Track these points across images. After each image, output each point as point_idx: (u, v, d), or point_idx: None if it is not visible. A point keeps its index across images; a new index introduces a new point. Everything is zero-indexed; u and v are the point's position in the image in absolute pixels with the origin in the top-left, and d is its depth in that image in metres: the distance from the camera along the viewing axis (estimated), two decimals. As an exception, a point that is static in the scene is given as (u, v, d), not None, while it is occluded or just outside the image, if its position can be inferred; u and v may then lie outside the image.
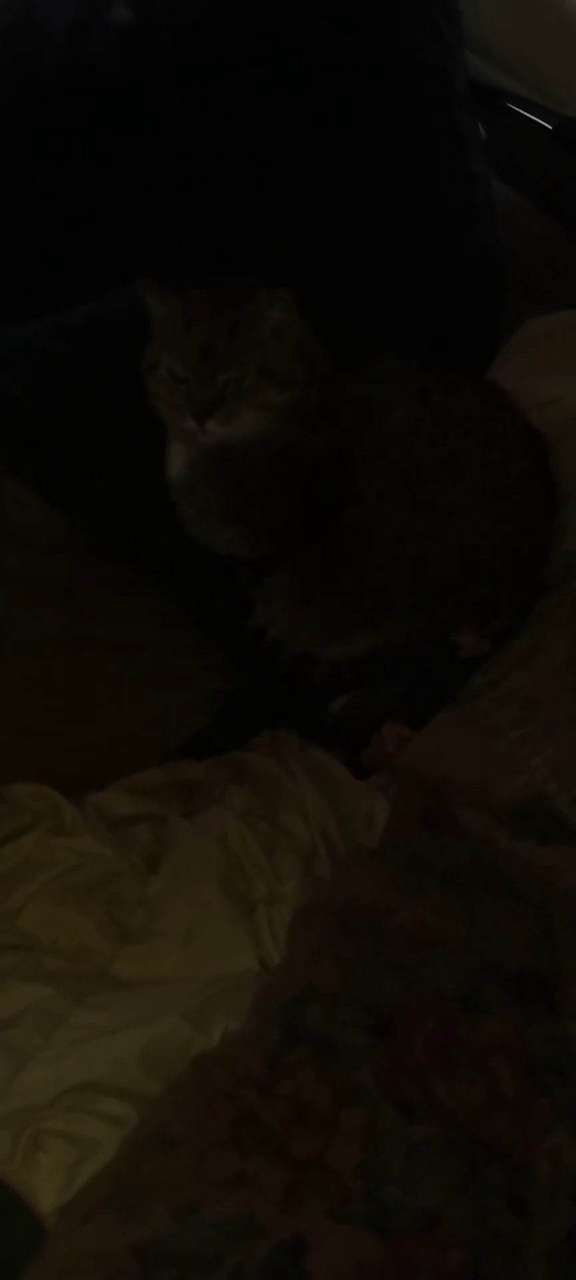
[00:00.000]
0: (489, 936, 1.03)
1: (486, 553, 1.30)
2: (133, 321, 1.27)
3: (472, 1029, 0.97)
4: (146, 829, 1.18)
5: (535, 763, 1.17)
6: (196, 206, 1.47)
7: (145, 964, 1.07)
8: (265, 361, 1.24)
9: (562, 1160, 0.90)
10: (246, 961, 1.08)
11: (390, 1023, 0.97)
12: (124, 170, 1.47)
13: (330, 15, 1.50)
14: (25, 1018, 0.99)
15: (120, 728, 1.28)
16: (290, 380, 1.26)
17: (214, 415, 1.23)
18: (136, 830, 1.18)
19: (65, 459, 1.30)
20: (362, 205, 1.52)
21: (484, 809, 1.16)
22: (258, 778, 1.26)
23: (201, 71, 1.48)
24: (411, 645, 1.31)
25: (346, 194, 1.51)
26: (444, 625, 1.31)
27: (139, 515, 1.32)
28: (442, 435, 1.29)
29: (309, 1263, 0.83)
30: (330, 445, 1.29)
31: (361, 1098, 0.92)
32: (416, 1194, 0.88)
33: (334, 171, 1.51)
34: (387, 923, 1.05)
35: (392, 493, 1.28)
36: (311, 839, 1.20)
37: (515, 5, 1.68)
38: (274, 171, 1.50)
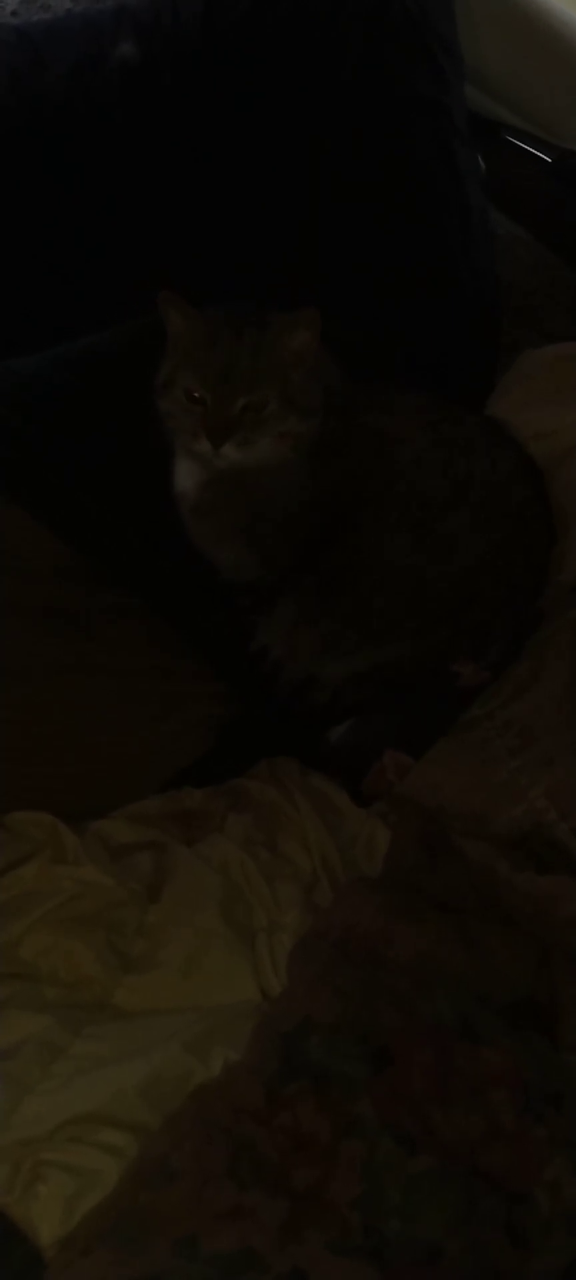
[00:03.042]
0: (487, 966, 1.03)
1: (485, 577, 1.30)
2: (132, 353, 1.28)
3: (471, 1059, 0.97)
4: (147, 857, 1.18)
5: (534, 792, 1.17)
6: (196, 238, 1.49)
7: (146, 994, 1.07)
8: (287, 388, 1.22)
9: (561, 1192, 0.90)
10: (247, 991, 1.08)
11: (389, 1053, 0.97)
12: (124, 204, 1.49)
13: (328, 51, 1.52)
14: (24, 1048, 0.99)
15: (118, 755, 1.28)
16: (311, 409, 1.24)
17: (230, 439, 1.21)
18: (137, 859, 1.18)
19: (64, 488, 1.31)
20: (360, 236, 1.53)
21: (483, 838, 1.16)
22: (258, 806, 1.26)
23: (200, 106, 1.50)
24: (411, 672, 1.32)
25: (344, 226, 1.53)
26: (444, 649, 1.31)
27: (137, 543, 1.33)
28: (449, 464, 1.29)
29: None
30: (344, 474, 1.28)
31: (360, 1129, 0.92)
32: (416, 1226, 0.88)
33: (332, 204, 1.52)
34: (386, 952, 1.05)
35: (398, 521, 1.29)
36: (312, 867, 1.20)
37: (514, 39, 1.69)
38: (273, 200, 1.52)
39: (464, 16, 1.64)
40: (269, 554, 1.31)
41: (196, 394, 1.21)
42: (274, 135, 1.50)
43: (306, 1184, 0.90)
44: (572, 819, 1.15)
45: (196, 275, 1.38)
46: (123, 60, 1.49)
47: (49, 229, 1.48)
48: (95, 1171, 0.91)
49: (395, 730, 1.31)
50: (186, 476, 1.30)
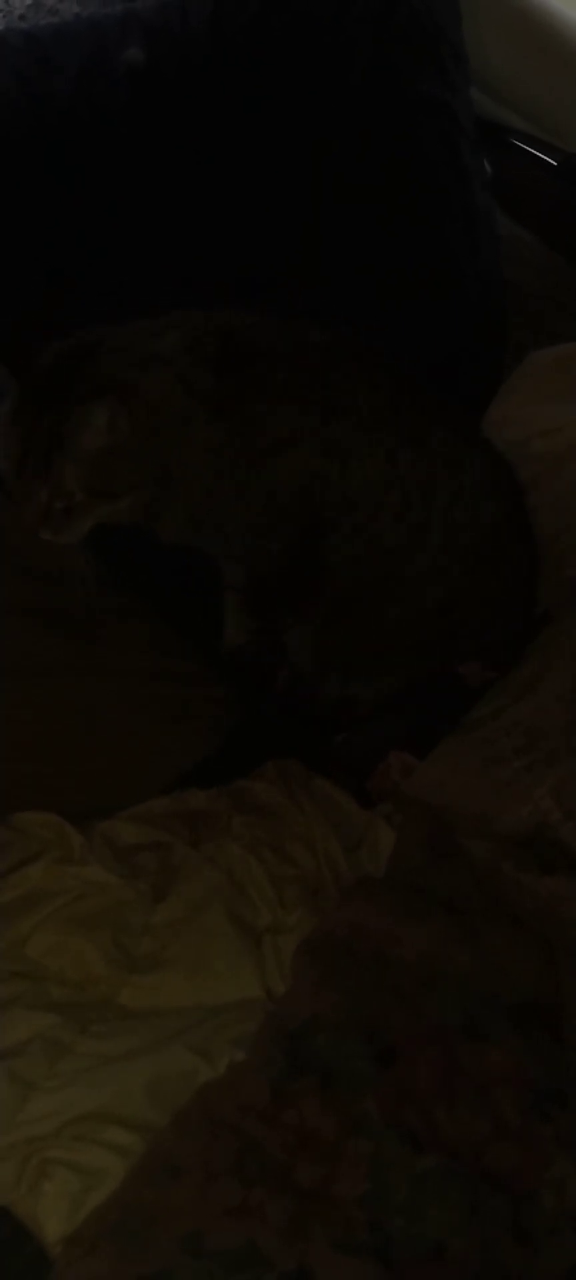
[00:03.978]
0: (492, 965, 1.03)
1: (467, 601, 1.29)
2: None
3: (476, 1058, 0.97)
4: (153, 858, 1.18)
5: (539, 792, 1.18)
6: (199, 239, 1.49)
7: (151, 993, 1.07)
8: (92, 481, 1.13)
9: (567, 1191, 0.90)
10: (252, 990, 1.08)
11: (394, 1052, 0.97)
12: (128, 206, 1.49)
13: (335, 54, 1.53)
14: (31, 1046, 1.00)
15: (122, 756, 1.28)
16: (131, 485, 1.15)
17: (44, 525, 1.13)
18: (143, 859, 1.18)
19: None
20: (367, 238, 1.53)
21: (487, 838, 1.16)
22: (263, 807, 1.27)
23: (206, 108, 1.50)
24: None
25: (351, 228, 1.53)
26: (439, 668, 1.31)
27: (139, 546, 1.33)
28: (406, 508, 1.25)
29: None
30: (292, 475, 1.22)
31: (366, 1127, 0.92)
32: (421, 1224, 0.88)
33: (338, 206, 1.53)
34: (391, 951, 1.05)
35: (361, 560, 1.27)
36: (317, 868, 1.20)
37: (519, 43, 1.70)
38: (277, 203, 1.52)
39: (470, 20, 1.64)
40: (222, 535, 1.27)
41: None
42: (279, 138, 1.51)
43: (311, 1182, 0.90)
44: (578, 818, 1.16)
45: (198, 276, 1.38)
46: (129, 64, 1.49)
47: (53, 230, 1.48)
48: (101, 1169, 0.91)
49: (401, 731, 1.31)
50: None
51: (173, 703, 1.33)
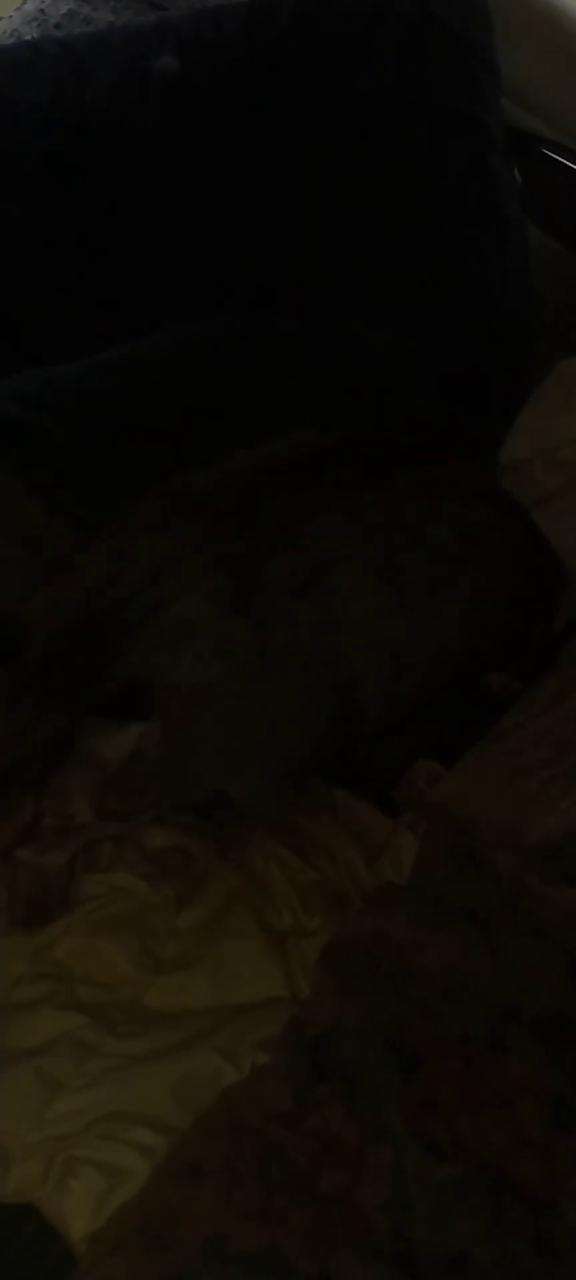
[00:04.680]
0: (515, 977, 1.03)
1: (486, 644, 1.29)
2: (170, 361, 1.29)
3: (498, 1069, 0.97)
4: (179, 863, 1.19)
5: (565, 804, 1.17)
6: (233, 247, 1.50)
7: (177, 995, 1.08)
8: (107, 800, 1.02)
9: (588, 1203, 0.90)
10: (276, 992, 1.09)
11: (416, 1061, 0.97)
12: (158, 213, 1.51)
13: (367, 67, 1.53)
14: (58, 1045, 1.01)
15: None
16: (154, 803, 1.08)
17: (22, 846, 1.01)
18: (169, 864, 1.19)
19: (94, 488, 1.32)
20: (396, 249, 1.54)
21: (513, 849, 1.16)
22: (286, 816, 1.27)
23: (239, 117, 1.51)
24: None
25: (380, 238, 1.54)
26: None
27: None
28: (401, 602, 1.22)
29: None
30: None
31: (388, 1135, 0.93)
32: (443, 1233, 0.88)
33: (368, 216, 1.53)
34: (414, 961, 1.05)
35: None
36: (338, 875, 1.21)
37: (551, 53, 1.70)
38: (307, 213, 1.53)
39: (501, 30, 1.65)
40: None
41: None
42: (306, 147, 1.52)
43: (334, 1188, 0.91)
44: (604, 831, 1.15)
45: (233, 277, 1.39)
46: (163, 73, 1.51)
47: (87, 238, 1.50)
48: (126, 1169, 0.92)
49: (427, 741, 1.31)
50: None
51: None
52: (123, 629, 1.00)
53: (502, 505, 1.33)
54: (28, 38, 1.64)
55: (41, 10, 1.66)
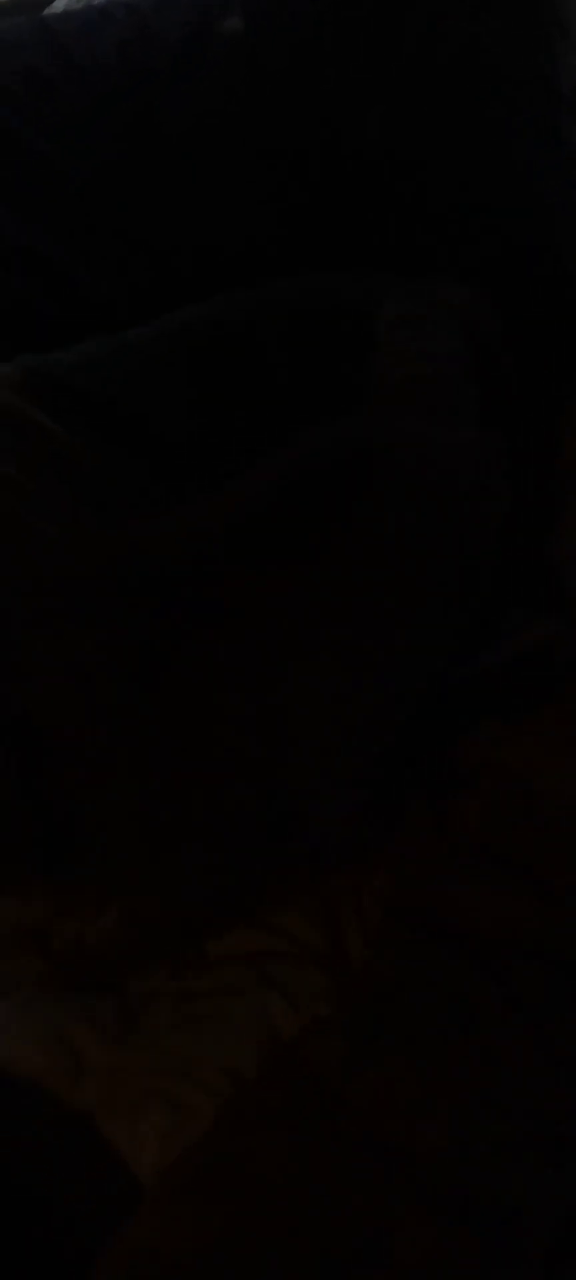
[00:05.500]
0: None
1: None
2: (246, 329, 1.27)
3: (561, 1027, 0.97)
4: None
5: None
6: (301, 203, 1.49)
7: (241, 941, 1.08)
8: None
9: None
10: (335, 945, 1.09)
11: (478, 1017, 0.98)
12: (227, 171, 1.51)
13: (429, 25, 1.51)
14: (131, 983, 1.04)
15: None
16: None
17: None
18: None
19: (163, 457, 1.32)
20: (461, 208, 1.52)
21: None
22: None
23: (304, 75, 1.50)
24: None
25: (446, 198, 1.52)
26: None
27: None
28: None
29: (397, 1247, 0.85)
30: None
31: (448, 1090, 0.93)
32: (502, 1188, 0.89)
33: (435, 172, 1.51)
34: (476, 919, 1.06)
35: None
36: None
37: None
38: (374, 164, 1.51)
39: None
40: None
41: None
42: (380, 97, 1.50)
43: (394, 1139, 0.92)
44: None
45: (314, 235, 1.37)
46: (228, 34, 1.51)
47: (153, 198, 1.50)
48: (193, 1108, 0.95)
49: (490, 697, 1.30)
50: None
51: None
52: None
53: None
54: (96, 2, 1.65)
55: (109, -27, 1.67)
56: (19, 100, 1.48)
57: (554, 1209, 0.88)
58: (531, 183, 1.52)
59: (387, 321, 1.22)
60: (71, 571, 1.01)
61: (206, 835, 1.00)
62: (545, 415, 1.31)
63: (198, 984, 1.04)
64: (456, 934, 1.05)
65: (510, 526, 1.17)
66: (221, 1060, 0.97)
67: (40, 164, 1.46)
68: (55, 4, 1.85)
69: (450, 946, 1.04)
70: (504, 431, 1.14)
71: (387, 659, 1.05)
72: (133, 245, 1.49)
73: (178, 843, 0.99)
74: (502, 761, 1.24)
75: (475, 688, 1.31)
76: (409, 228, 1.45)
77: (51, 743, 0.94)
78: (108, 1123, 0.95)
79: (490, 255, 1.48)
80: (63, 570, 1.00)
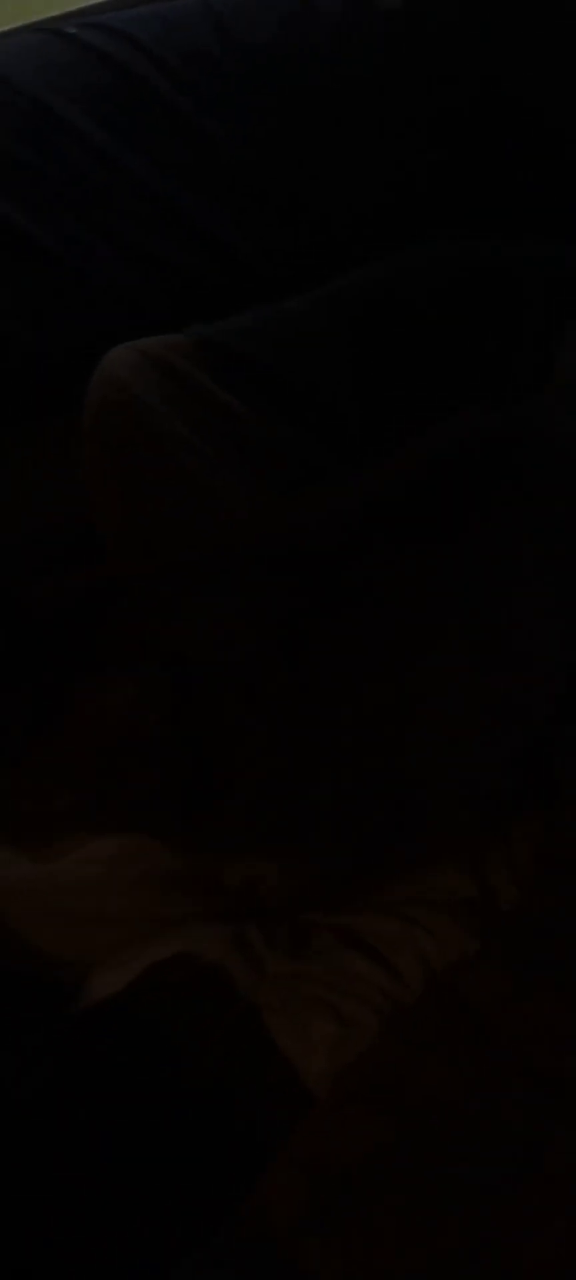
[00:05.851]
0: None
1: None
2: (406, 298, 1.30)
3: None
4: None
5: None
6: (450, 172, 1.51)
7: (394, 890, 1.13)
8: None
9: None
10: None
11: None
12: (379, 145, 1.54)
13: None
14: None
15: None
16: None
17: None
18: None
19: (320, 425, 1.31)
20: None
21: None
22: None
23: (461, 50, 1.52)
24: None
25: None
26: None
27: None
28: None
29: (547, 1161, 0.91)
30: None
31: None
32: None
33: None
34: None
35: None
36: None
37: None
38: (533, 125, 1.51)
39: None
40: None
41: None
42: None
43: (549, 1070, 0.97)
44: None
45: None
46: (386, 9, 1.53)
47: (307, 170, 1.53)
48: (361, 1023, 1.01)
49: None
50: None
51: None
52: None
53: None
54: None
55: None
56: (182, 77, 1.53)
57: None
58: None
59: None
60: (240, 534, 1.07)
61: (334, 804, 1.04)
62: None
63: (357, 921, 1.10)
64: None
65: None
66: (383, 983, 1.04)
67: (203, 139, 1.51)
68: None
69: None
70: None
71: (521, 657, 1.04)
72: (289, 214, 1.53)
73: (305, 807, 1.03)
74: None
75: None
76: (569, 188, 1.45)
77: (198, 687, 1.01)
78: (280, 1025, 0.99)
79: None
80: (231, 532, 1.06)
